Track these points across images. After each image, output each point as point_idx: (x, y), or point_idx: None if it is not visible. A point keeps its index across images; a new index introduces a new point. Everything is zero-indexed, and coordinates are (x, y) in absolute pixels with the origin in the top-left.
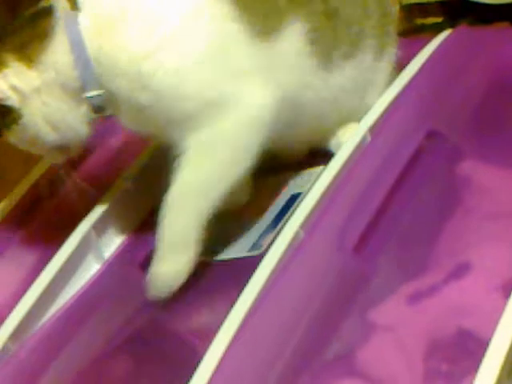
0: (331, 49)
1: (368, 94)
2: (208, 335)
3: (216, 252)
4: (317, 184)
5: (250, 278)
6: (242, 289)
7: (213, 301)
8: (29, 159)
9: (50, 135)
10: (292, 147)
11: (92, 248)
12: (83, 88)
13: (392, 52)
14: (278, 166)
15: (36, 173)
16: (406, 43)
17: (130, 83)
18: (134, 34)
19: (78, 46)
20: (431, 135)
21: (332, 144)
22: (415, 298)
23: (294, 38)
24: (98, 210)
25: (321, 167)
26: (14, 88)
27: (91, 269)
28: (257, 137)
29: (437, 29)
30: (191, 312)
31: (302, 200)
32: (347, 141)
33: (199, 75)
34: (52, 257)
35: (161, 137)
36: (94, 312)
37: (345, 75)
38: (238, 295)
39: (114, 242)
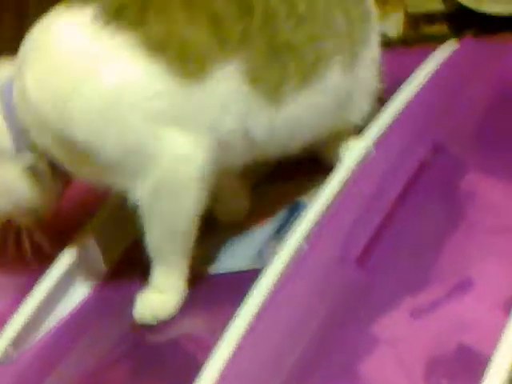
0: (278, 85)
1: (351, 104)
2: (209, 346)
3: (218, 262)
4: (320, 195)
5: (252, 289)
6: (244, 300)
7: (214, 312)
8: None
9: None
10: (285, 152)
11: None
12: (17, 150)
13: (370, 54)
14: (280, 174)
15: None
16: (410, 53)
17: (55, 139)
18: (46, 91)
19: (10, 113)
20: (435, 148)
21: (335, 156)
22: (417, 313)
23: (227, 79)
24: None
25: (324, 178)
26: None
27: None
28: (194, 181)
29: (441, 38)
30: (192, 323)
31: (305, 211)
32: (351, 153)
33: (112, 121)
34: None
35: (111, 186)
36: (94, 323)
37: (301, 104)
38: (240, 306)
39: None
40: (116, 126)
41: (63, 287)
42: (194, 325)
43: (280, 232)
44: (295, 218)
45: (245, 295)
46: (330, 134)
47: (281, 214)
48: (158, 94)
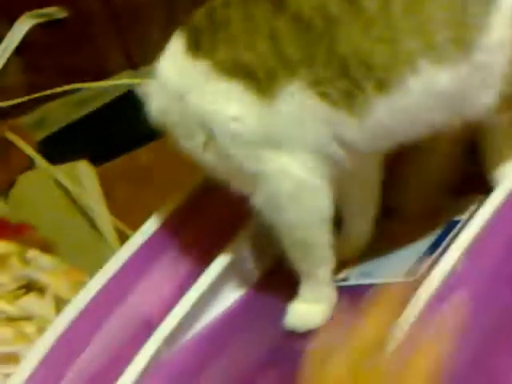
0: (349, 95)
1: (469, 97)
2: None
3: (368, 275)
4: (480, 212)
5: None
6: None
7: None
8: None
9: None
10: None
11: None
12: None
13: (493, 38)
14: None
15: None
16: None
17: None
18: None
19: None
20: None
21: (494, 173)
22: None
23: (295, 95)
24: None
25: (482, 197)
26: None
27: (247, 279)
28: (299, 195)
29: None
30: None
31: (463, 227)
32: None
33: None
34: (207, 265)
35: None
36: (243, 329)
37: (388, 109)
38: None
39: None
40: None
41: (215, 291)
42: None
43: (434, 249)
44: (451, 236)
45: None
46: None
47: (436, 231)
48: (240, 119)
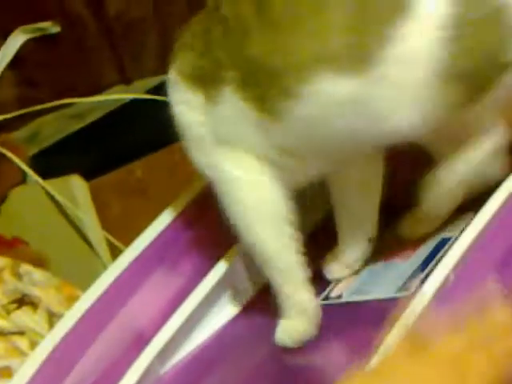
0: (262, 100)
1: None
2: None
3: (361, 291)
4: (469, 229)
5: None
6: (386, 331)
7: (355, 338)
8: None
9: None
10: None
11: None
12: None
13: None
14: None
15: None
16: None
17: None
18: None
19: None
20: None
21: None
22: None
23: (228, 98)
24: None
25: (471, 212)
26: None
27: (238, 294)
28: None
29: None
30: (330, 349)
31: (453, 244)
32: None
33: None
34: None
35: None
36: (241, 344)
37: (296, 117)
38: (383, 338)
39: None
40: None
41: (207, 306)
42: (332, 350)
43: (426, 265)
44: (441, 253)
45: (385, 326)
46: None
47: (426, 248)
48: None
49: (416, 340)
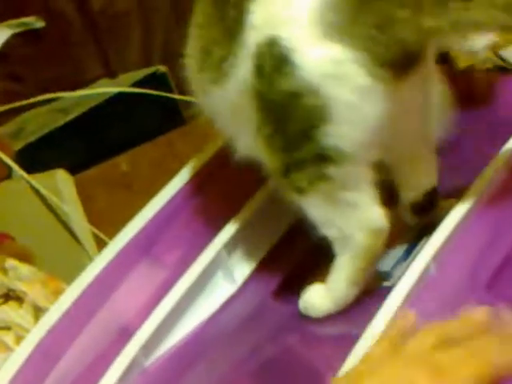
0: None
1: None
2: (336, 363)
3: None
4: (450, 216)
5: (379, 309)
6: (371, 320)
7: (342, 330)
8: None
9: None
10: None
11: (222, 267)
12: None
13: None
14: None
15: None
16: None
17: None
18: None
19: None
20: None
21: None
22: None
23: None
24: (231, 229)
25: (453, 200)
26: None
27: (221, 287)
28: None
29: None
30: (320, 341)
31: (434, 232)
32: (486, 173)
33: None
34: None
35: None
36: (224, 336)
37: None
38: (367, 326)
39: (245, 263)
40: None
41: (192, 298)
42: (321, 342)
43: (410, 254)
44: (424, 242)
45: (371, 314)
46: None
47: (411, 236)
48: None
49: (395, 339)
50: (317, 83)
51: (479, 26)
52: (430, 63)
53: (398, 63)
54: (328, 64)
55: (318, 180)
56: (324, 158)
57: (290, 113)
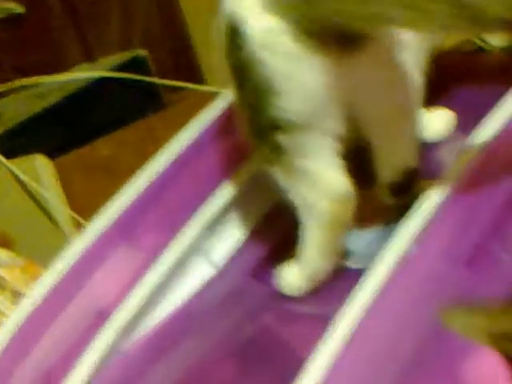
0: None
1: None
2: (312, 343)
3: None
4: (430, 196)
5: (357, 288)
6: (349, 299)
7: (318, 310)
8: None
9: None
10: None
11: (200, 249)
12: None
13: None
14: None
15: None
16: None
17: None
18: None
19: None
20: None
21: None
22: None
23: None
24: (209, 210)
25: (433, 181)
26: None
27: (199, 269)
28: None
29: None
30: (296, 320)
31: (414, 212)
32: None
33: None
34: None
35: None
36: (203, 317)
37: None
38: (345, 305)
39: (224, 245)
40: None
41: (170, 280)
42: (298, 322)
43: (388, 234)
44: (405, 221)
45: (349, 294)
46: None
47: (388, 217)
48: None
49: None
50: (259, 53)
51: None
52: (402, 47)
53: (331, 39)
54: (265, 34)
55: (277, 149)
56: (276, 127)
57: (246, 82)
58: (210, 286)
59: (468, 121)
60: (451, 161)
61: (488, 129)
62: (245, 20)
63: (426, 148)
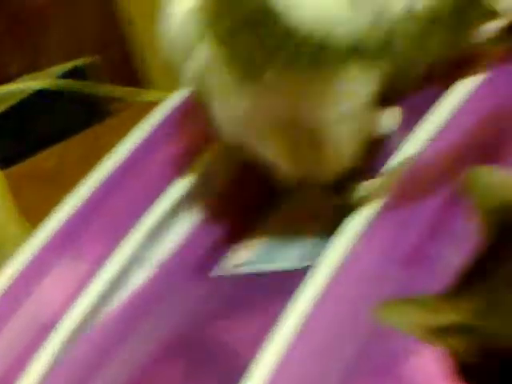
0: None
1: None
2: (256, 342)
3: (267, 261)
4: (369, 198)
5: (301, 288)
6: (293, 299)
7: (262, 311)
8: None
9: None
10: None
11: (143, 257)
12: None
13: None
14: None
15: None
16: None
17: None
18: None
19: None
20: None
21: None
22: None
23: None
24: (151, 218)
25: (375, 180)
26: None
27: (141, 275)
28: None
29: None
30: (240, 322)
31: (354, 212)
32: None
33: None
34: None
35: None
36: (147, 318)
37: None
38: (288, 306)
39: (164, 251)
40: None
41: (116, 286)
42: (241, 324)
43: (329, 234)
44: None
45: (292, 293)
46: None
47: (328, 216)
48: None
49: None
50: None
51: None
52: None
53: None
54: None
55: None
56: None
57: None
58: (151, 289)
59: (412, 117)
60: (391, 164)
61: (430, 124)
62: None
63: (371, 143)
